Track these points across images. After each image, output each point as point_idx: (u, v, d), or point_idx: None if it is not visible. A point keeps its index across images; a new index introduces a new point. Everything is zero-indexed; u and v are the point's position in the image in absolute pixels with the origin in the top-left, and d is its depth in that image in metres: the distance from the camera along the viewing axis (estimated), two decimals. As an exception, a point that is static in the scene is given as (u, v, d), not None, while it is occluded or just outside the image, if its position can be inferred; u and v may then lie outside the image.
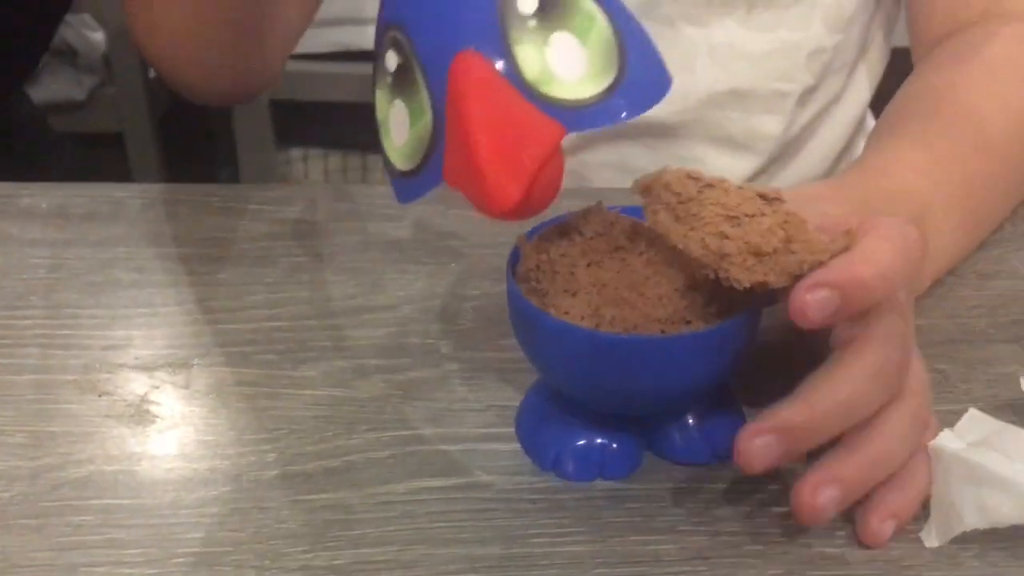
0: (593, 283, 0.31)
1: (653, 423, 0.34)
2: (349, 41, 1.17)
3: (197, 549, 0.30)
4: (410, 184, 0.30)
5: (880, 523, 0.31)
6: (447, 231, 0.46)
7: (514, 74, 0.27)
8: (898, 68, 0.58)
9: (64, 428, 0.35)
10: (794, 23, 0.58)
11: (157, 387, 0.37)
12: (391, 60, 0.29)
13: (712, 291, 0.30)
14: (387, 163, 0.31)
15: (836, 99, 0.62)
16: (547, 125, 0.27)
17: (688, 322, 0.30)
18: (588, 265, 0.31)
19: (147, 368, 0.37)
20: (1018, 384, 0.37)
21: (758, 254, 0.28)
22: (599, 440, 0.33)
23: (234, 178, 1.14)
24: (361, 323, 0.40)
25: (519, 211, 0.27)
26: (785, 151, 0.62)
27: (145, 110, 1.35)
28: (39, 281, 0.42)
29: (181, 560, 0.30)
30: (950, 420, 0.34)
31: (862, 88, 0.64)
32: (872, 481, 0.31)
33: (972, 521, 0.30)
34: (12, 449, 0.34)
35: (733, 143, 0.60)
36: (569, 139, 0.28)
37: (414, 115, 0.29)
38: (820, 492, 0.30)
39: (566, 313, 0.30)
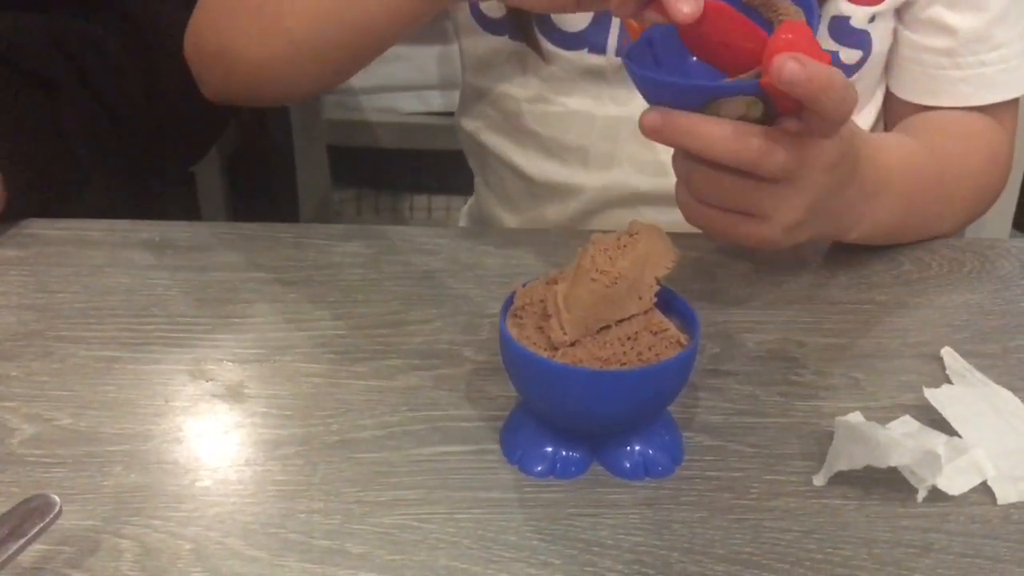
0: None
1: (601, 442, 0.43)
2: (398, 101, 1.32)
3: (281, 488, 0.42)
4: None
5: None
6: (471, 264, 0.57)
7: None
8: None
9: (181, 404, 0.47)
10: None
11: (249, 376, 0.49)
12: None
13: (646, 343, 0.41)
14: None
15: None
16: None
17: (623, 364, 0.40)
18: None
19: (241, 362, 0.50)
20: (917, 391, 0.48)
21: None
22: (555, 448, 0.43)
23: (294, 215, 1.27)
24: (402, 332, 0.52)
25: None
26: None
27: (215, 153, 1.49)
28: (157, 296, 0.54)
29: (271, 493, 0.42)
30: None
31: None
32: None
33: (842, 465, 0.41)
34: (143, 419, 0.46)
35: None
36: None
37: None
38: None
39: (534, 344, 0.41)
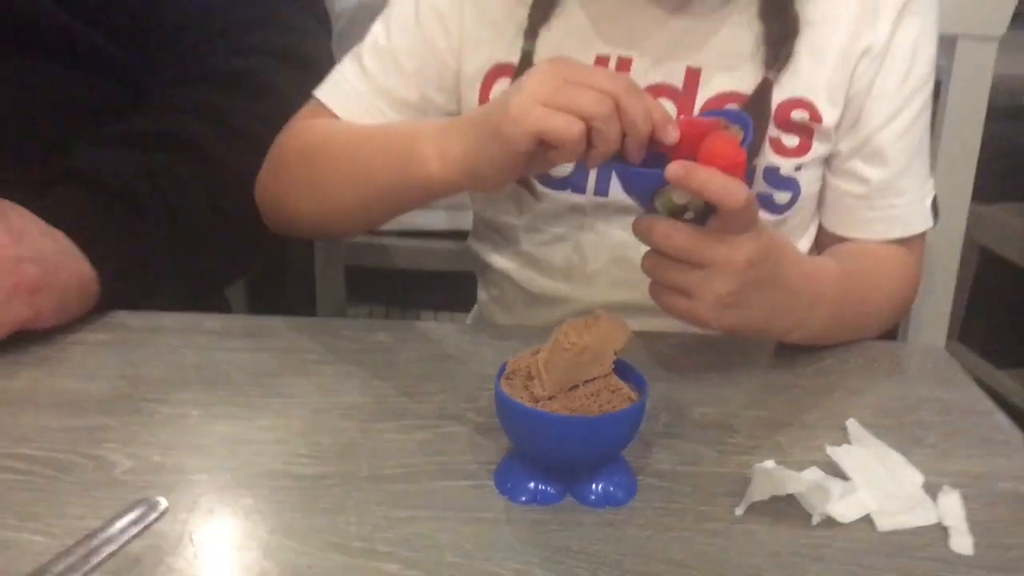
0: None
1: (572, 479, 0.55)
2: (410, 223, 1.48)
3: (324, 506, 0.54)
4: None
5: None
6: (472, 351, 0.71)
7: None
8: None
9: (243, 446, 0.60)
10: None
11: (295, 430, 0.61)
12: None
13: (606, 398, 0.54)
14: None
15: None
16: None
17: (588, 413, 0.53)
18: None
19: (288, 419, 0.62)
20: (824, 450, 0.60)
21: None
22: (536, 483, 0.55)
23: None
24: (417, 400, 0.65)
25: None
26: None
27: (242, 271, 1.65)
28: (221, 371, 0.68)
29: (316, 509, 0.54)
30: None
31: None
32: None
33: (756, 496, 0.53)
34: (215, 457, 0.58)
35: None
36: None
37: None
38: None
39: (521, 397, 0.54)
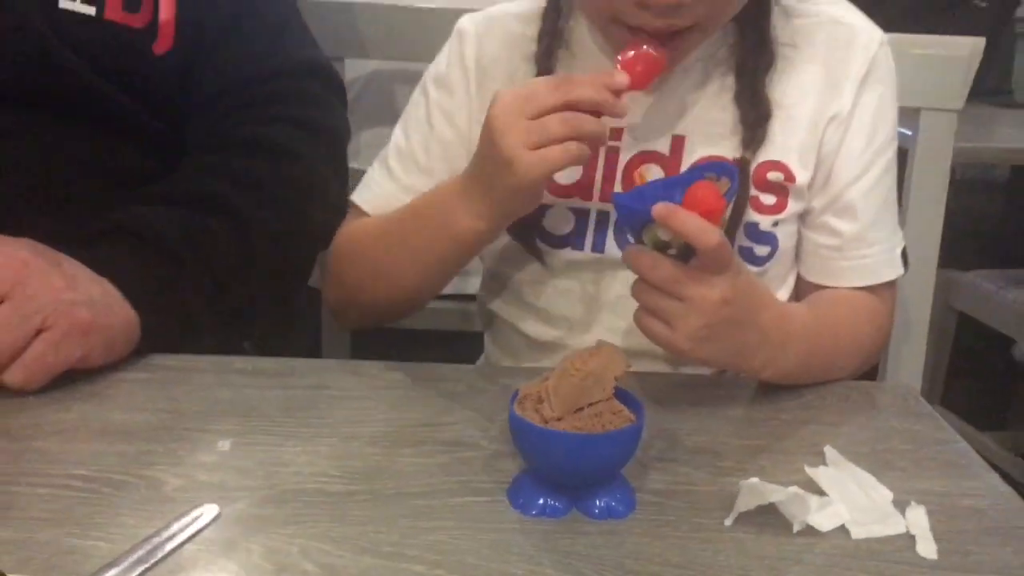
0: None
1: (578, 495, 0.61)
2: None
3: (356, 518, 0.60)
4: None
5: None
6: (483, 388, 0.78)
7: None
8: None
9: (280, 468, 0.66)
10: None
11: (326, 455, 0.68)
12: None
13: (607, 419, 0.60)
14: None
15: None
16: None
17: (592, 431, 0.59)
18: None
19: (317, 446, 0.69)
20: (804, 472, 0.67)
21: None
22: (546, 498, 0.61)
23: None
24: (436, 430, 0.71)
25: None
26: None
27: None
28: (253, 405, 0.74)
29: (349, 520, 0.60)
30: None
31: None
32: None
33: (742, 507, 0.60)
34: (255, 477, 0.64)
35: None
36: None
37: None
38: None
39: (532, 418, 0.60)
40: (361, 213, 0.92)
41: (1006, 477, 0.72)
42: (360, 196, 0.93)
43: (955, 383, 2.28)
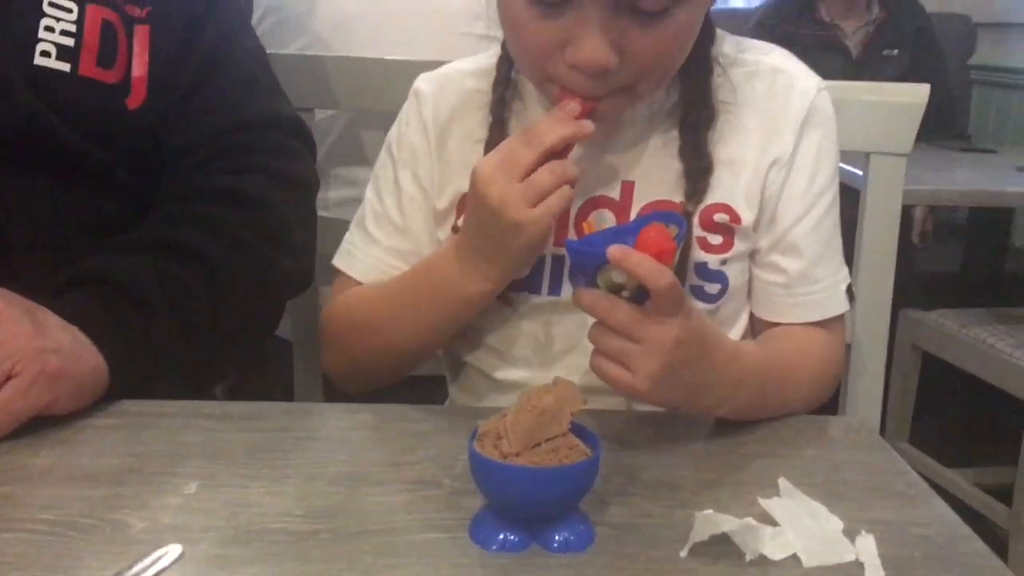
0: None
1: (536, 529, 0.63)
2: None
3: (321, 553, 0.61)
4: None
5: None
6: (447, 427, 0.80)
7: None
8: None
9: (244, 509, 0.67)
10: None
11: (290, 495, 0.69)
12: None
13: (564, 454, 0.62)
14: None
15: None
16: None
17: (549, 466, 0.61)
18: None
19: (282, 485, 0.70)
20: (758, 504, 0.69)
21: None
22: (505, 533, 0.63)
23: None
24: (400, 469, 0.73)
25: None
26: None
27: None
28: (221, 448, 0.75)
29: (312, 558, 0.61)
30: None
31: None
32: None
33: (696, 538, 0.62)
34: (219, 517, 0.66)
35: None
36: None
37: None
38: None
39: (491, 454, 0.62)
40: (351, 281, 0.95)
41: (974, 513, 0.75)
42: (344, 263, 0.96)
43: (922, 421, 2.32)
